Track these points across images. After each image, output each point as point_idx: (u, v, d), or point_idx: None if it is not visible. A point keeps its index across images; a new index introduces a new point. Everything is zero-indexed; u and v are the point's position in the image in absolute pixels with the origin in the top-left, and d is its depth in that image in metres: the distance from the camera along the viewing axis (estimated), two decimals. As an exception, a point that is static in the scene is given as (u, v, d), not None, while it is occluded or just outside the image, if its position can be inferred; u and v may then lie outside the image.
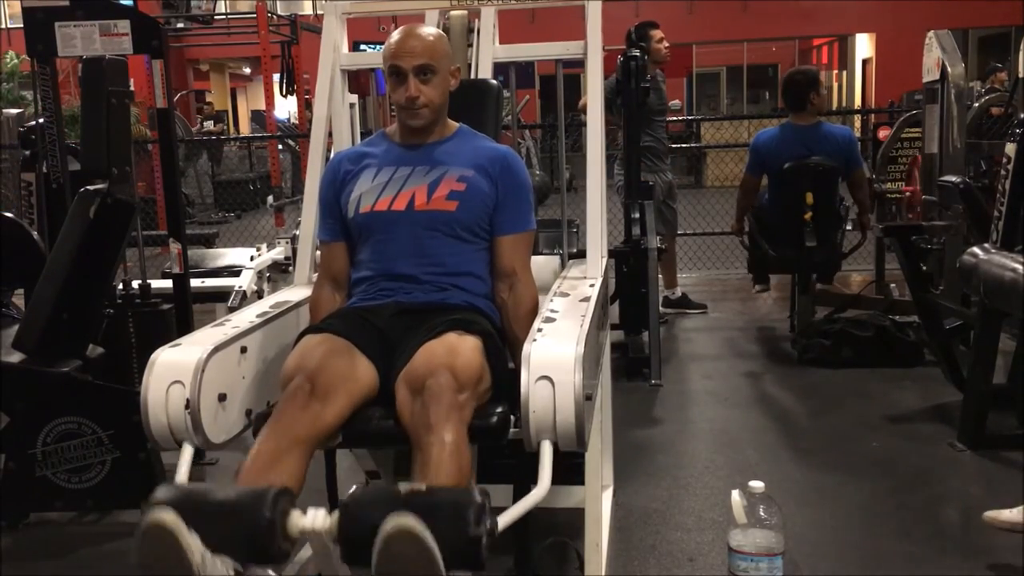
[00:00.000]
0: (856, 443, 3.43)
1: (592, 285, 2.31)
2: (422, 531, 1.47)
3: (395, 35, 2.23)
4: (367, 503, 1.63)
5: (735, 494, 2.27)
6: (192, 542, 1.50)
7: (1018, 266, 2.91)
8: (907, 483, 3.05)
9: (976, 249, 3.20)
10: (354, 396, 1.96)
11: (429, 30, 2.28)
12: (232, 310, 3.53)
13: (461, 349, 1.96)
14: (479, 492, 1.60)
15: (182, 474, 1.91)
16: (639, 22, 5.54)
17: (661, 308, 5.34)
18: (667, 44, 5.45)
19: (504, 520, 1.78)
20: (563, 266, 2.67)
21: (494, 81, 2.76)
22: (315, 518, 1.62)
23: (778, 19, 17.01)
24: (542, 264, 2.55)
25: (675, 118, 7.68)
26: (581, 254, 2.56)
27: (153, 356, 1.95)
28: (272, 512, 1.57)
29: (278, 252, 4.53)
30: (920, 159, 5.21)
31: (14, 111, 5.38)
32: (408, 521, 1.47)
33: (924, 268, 3.90)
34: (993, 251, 3.13)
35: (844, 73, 20.40)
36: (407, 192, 2.22)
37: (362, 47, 4.46)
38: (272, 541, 1.58)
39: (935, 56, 4.43)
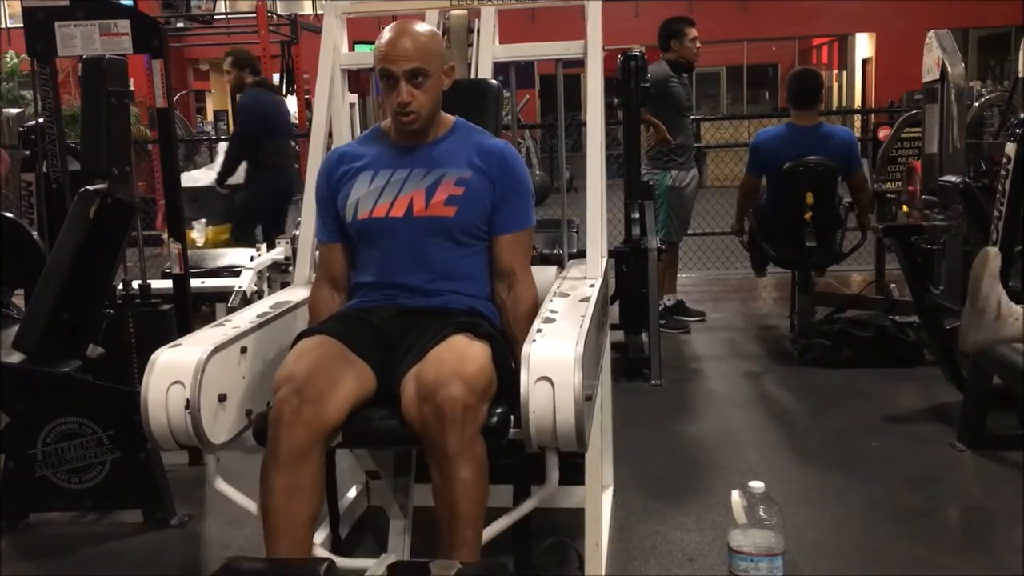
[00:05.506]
0: (856, 443, 3.43)
1: (592, 285, 2.31)
2: None
3: (386, 33, 2.16)
4: None
5: (735, 494, 2.27)
6: None
7: None
8: (907, 483, 3.05)
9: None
10: (349, 398, 1.95)
11: (421, 28, 2.19)
12: (232, 310, 3.54)
13: (471, 356, 1.95)
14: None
15: (213, 475, 2.02)
16: (673, 16, 5.33)
17: (681, 317, 5.34)
18: (700, 45, 5.22)
19: (506, 521, 1.79)
20: (563, 267, 2.67)
21: (494, 81, 2.75)
22: None
23: (778, 19, 17.00)
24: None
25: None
26: (581, 254, 2.56)
27: (153, 356, 1.95)
28: None
29: (278, 252, 4.54)
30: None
31: (14, 111, 5.39)
32: None
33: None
34: None
35: (844, 73, 20.39)
36: (405, 197, 2.19)
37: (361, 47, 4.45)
38: None
39: (935, 56, 4.43)
